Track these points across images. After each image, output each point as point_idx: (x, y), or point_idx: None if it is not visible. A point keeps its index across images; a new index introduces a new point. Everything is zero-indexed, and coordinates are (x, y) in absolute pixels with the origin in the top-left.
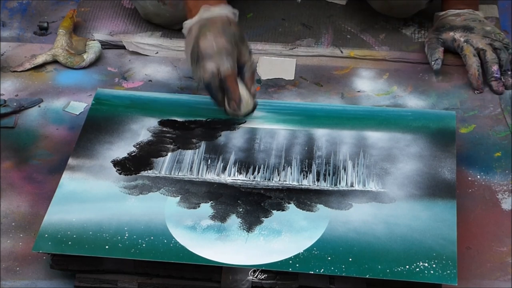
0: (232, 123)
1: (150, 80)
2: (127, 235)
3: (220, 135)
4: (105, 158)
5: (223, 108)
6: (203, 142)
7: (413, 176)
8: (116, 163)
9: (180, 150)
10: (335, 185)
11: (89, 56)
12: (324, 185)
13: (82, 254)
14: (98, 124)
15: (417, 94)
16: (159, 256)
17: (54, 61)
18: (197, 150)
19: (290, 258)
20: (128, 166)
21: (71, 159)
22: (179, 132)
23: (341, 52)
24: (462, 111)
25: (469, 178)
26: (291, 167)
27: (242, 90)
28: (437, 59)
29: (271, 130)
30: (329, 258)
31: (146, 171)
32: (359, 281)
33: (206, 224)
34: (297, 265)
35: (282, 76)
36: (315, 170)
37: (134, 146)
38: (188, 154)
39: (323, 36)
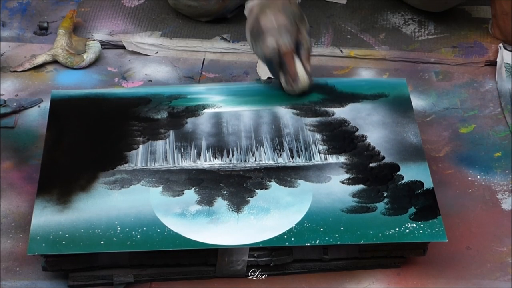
0: (195, 109)
1: (150, 80)
2: (119, 229)
3: (187, 123)
4: (78, 157)
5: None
6: (171, 131)
7: (382, 144)
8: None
9: (150, 141)
10: (310, 160)
11: (89, 56)
12: (299, 161)
13: (78, 252)
14: (61, 126)
15: (417, 93)
16: (156, 245)
17: (54, 61)
18: (167, 139)
19: (284, 233)
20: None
21: (43, 166)
22: (145, 124)
23: (341, 51)
24: (462, 111)
25: (469, 178)
26: (263, 147)
27: (299, 67)
28: None
29: (235, 113)
30: (321, 229)
31: (122, 165)
32: (351, 248)
33: (195, 210)
34: (293, 239)
35: None
36: (287, 148)
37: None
38: (159, 144)
39: (323, 35)
